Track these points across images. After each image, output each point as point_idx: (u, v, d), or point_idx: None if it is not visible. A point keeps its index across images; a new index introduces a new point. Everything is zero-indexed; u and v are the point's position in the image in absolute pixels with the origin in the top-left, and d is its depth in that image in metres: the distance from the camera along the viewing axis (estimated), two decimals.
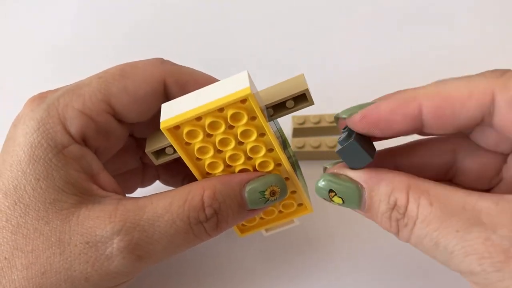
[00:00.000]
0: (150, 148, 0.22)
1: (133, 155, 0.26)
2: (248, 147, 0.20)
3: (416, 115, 0.18)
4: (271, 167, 0.21)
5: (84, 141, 0.21)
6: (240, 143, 0.20)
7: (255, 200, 0.21)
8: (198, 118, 0.19)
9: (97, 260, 0.19)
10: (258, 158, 0.21)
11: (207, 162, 0.21)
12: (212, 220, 0.20)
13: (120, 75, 0.22)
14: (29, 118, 0.21)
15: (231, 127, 0.20)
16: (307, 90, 0.20)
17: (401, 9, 0.41)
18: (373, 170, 0.19)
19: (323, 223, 0.29)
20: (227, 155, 0.21)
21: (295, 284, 0.27)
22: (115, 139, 0.23)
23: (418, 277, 0.26)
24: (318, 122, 0.33)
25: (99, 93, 0.21)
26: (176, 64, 0.23)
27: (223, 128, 0.20)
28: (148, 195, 0.21)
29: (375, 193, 0.18)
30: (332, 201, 0.19)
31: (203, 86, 0.20)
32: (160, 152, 0.22)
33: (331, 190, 0.19)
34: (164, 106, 0.20)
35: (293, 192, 0.23)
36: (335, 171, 0.20)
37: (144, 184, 0.28)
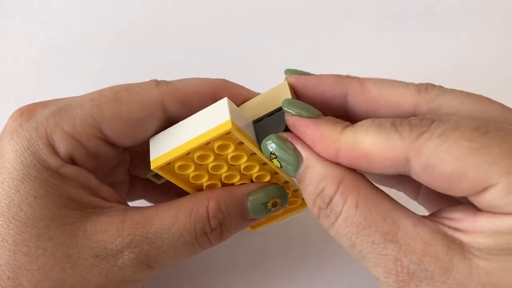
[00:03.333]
0: (149, 172, 0.22)
1: (120, 167, 0.26)
2: (242, 167, 0.21)
3: (334, 155, 0.18)
4: (268, 177, 0.22)
5: (74, 162, 0.21)
6: (232, 165, 0.21)
7: (258, 211, 0.22)
8: (187, 153, 0.20)
9: (110, 271, 0.19)
10: (254, 173, 0.21)
11: (204, 184, 0.22)
12: (217, 231, 0.21)
13: (114, 100, 0.21)
14: (17, 134, 0.20)
15: (220, 154, 0.20)
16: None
17: (401, 11, 0.41)
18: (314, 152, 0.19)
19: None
20: (223, 176, 0.21)
21: (295, 283, 0.27)
22: (106, 161, 0.23)
23: None
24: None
25: (91, 117, 0.21)
26: (172, 82, 0.22)
27: (212, 157, 0.20)
28: (151, 205, 0.21)
29: (310, 171, 0.19)
30: (272, 161, 0.20)
31: (204, 97, 0.21)
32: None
33: (272, 153, 0.19)
34: (152, 141, 0.21)
35: (295, 190, 0.23)
36: (285, 135, 0.20)
37: (129, 199, 0.27)
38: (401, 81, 0.20)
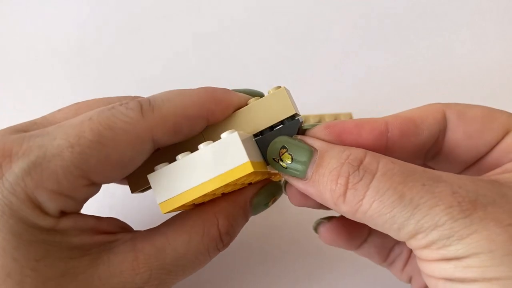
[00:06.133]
0: (136, 189, 0.21)
1: None
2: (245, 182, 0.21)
3: (382, 130, 0.19)
4: (265, 177, 0.22)
5: (65, 214, 0.19)
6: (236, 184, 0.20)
7: (259, 210, 0.22)
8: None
9: None
10: (252, 180, 0.21)
11: (206, 200, 0.21)
12: (228, 244, 0.21)
13: (98, 143, 0.18)
14: None
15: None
16: (295, 115, 0.20)
17: (401, 14, 0.39)
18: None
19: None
20: (226, 191, 0.21)
21: (295, 284, 0.27)
22: (93, 195, 0.21)
23: None
24: (318, 122, 0.32)
25: (76, 169, 0.17)
26: (157, 107, 0.19)
27: (222, 189, 0.19)
28: (158, 227, 0.21)
29: (328, 153, 0.18)
30: (280, 160, 0.19)
31: (194, 120, 0.19)
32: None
33: (283, 147, 0.19)
34: (153, 180, 0.19)
35: None
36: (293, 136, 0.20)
37: None
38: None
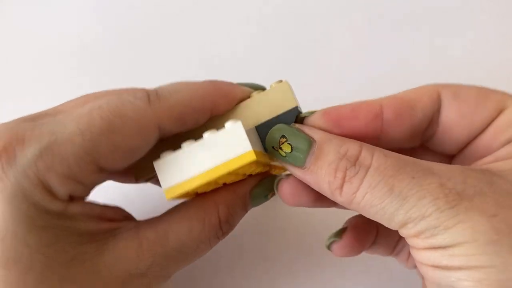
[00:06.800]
0: (142, 176, 0.22)
1: None
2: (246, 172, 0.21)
3: (377, 112, 0.20)
4: (266, 169, 0.23)
5: (74, 199, 0.20)
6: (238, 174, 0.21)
7: (259, 202, 0.23)
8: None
9: None
10: (253, 171, 0.22)
11: (209, 189, 0.22)
12: (227, 232, 0.22)
13: (108, 130, 0.18)
14: (3, 183, 0.17)
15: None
16: (296, 107, 0.21)
17: (401, 12, 0.40)
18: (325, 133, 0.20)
19: (324, 223, 0.29)
20: (227, 181, 0.22)
21: (295, 284, 0.28)
22: (101, 183, 0.21)
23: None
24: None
25: (86, 155, 0.18)
26: (163, 97, 0.20)
27: (223, 179, 0.20)
28: (160, 216, 0.21)
29: (326, 144, 0.19)
30: (280, 149, 0.19)
31: (200, 111, 0.20)
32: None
33: (283, 136, 0.19)
34: (159, 167, 0.20)
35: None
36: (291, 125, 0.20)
37: None
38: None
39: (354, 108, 0.20)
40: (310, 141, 0.19)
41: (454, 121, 0.20)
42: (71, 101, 0.22)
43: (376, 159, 0.18)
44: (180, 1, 0.40)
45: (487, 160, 0.20)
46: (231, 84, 0.22)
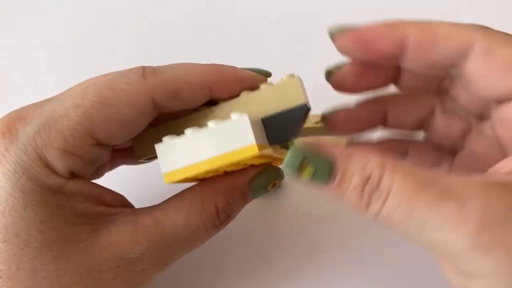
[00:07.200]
0: (142, 156, 0.22)
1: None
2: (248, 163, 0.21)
3: (401, 40, 0.19)
4: (263, 161, 0.22)
5: (73, 175, 0.20)
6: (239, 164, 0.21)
7: (258, 193, 0.22)
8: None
9: (132, 277, 0.20)
10: (255, 162, 0.22)
11: (208, 176, 0.22)
12: (225, 221, 0.22)
13: (101, 103, 0.19)
14: (6, 160, 0.19)
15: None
16: (305, 104, 0.20)
17: (402, 14, 0.40)
18: (345, 147, 0.19)
19: (324, 223, 0.29)
20: (228, 170, 0.22)
21: (296, 284, 0.27)
22: (102, 160, 0.22)
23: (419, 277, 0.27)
24: (318, 122, 0.32)
25: (81, 127, 0.19)
26: (160, 71, 0.20)
27: (224, 168, 0.20)
28: (158, 205, 0.21)
29: (349, 166, 0.18)
30: (301, 173, 0.19)
31: (197, 88, 0.20)
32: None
33: (304, 161, 0.19)
34: (160, 151, 0.19)
35: None
36: (311, 143, 0.19)
37: (110, 168, 0.27)
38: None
39: (381, 31, 0.20)
40: (332, 161, 0.18)
41: (477, 80, 0.19)
42: (74, 86, 0.22)
43: (395, 183, 0.17)
44: (180, 1, 0.40)
45: (504, 171, 0.18)
46: (232, 67, 0.22)
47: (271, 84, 0.21)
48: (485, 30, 0.19)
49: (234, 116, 0.19)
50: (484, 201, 0.16)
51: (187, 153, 0.19)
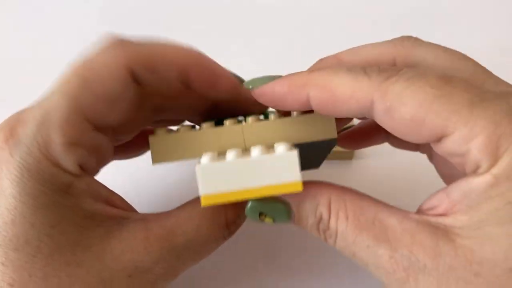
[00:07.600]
0: (159, 161, 0.22)
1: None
2: None
3: (304, 101, 0.19)
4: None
5: (82, 170, 0.20)
6: None
7: (251, 216, 0.23)
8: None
9: (144, 287, 0.20)
10: None
11: None
12: (233, 232, 0.22)
13: (84, 82, 0.19)
14: (11, 165, 0.18)
15: None
16: (336, 139, 0.21)
17: (402, 14, 0.40)
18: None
19: None
20: None
21: (296, 284, 0.28)
22: (106, 154, 0.21)
23: None
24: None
25: (75, 114, 0.18)
26: (138, 44, 0.20)
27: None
28: (168, 212, 0.21)
29: (302, 208, 0.20)
30: (264, 221, 0.20)
31: (172, 65, 0.19)
32: None
33: (261, 213, 0.20)
34: (201, 171, 0.19)
35: None
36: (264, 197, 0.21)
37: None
38: (376, 42, 0.21)
39: (285, 94, 0.20)
40: (286, 207, 0.20)
41: (389, 130, 0.19)
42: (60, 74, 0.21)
43: (340, 224, 0.19)
44: (180, 3, 0.40)
45: (433, 211, 0.18)
46: (213, 62, 0.21)
47: (301, 113, 0.22)
48: (385, 82, 0.18)
49: (281, 149, 0.19)
50: (410, 248, 0.17)
51: (230, 179, 0.19)
